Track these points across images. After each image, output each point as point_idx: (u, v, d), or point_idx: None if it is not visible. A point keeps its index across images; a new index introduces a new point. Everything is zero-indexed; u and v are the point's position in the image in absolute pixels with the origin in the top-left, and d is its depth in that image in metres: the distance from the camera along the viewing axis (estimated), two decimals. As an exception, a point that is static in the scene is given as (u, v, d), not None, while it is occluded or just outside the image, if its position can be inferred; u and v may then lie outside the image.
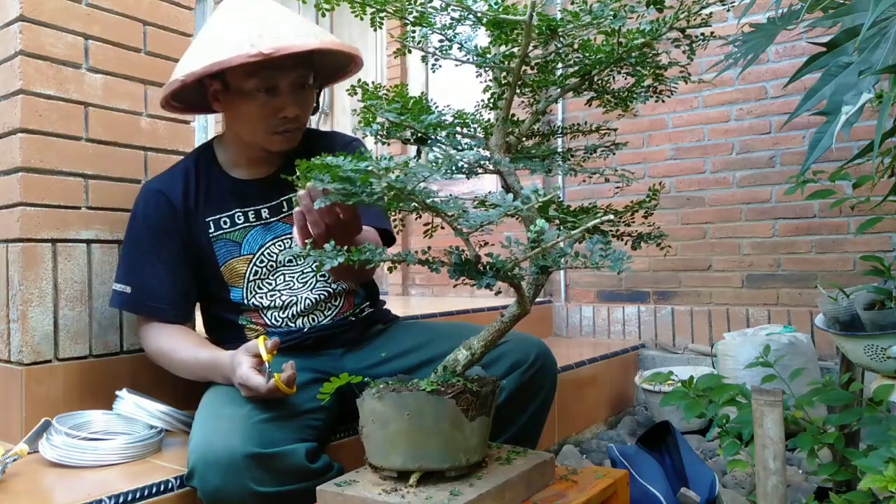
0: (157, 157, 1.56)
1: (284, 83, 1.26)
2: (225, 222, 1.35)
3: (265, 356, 1.13)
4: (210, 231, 1.35)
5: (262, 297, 1.36)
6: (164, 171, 1.41)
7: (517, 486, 0.98)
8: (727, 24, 2.56)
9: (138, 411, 1.31)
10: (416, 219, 0.96)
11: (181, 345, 1.30)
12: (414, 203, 0.82)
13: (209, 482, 1.02)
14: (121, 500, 1.05)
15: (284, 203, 1.37)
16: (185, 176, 1.36)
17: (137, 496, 1.06)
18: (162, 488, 1.10)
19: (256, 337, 1.37)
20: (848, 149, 2.20)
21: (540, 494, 1.01)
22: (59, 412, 1.30)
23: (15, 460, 1.15)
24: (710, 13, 0.93)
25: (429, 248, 0.92)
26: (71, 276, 1.41)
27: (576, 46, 0.95)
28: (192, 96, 1.35)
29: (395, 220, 1.16)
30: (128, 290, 1.32)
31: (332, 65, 1.39)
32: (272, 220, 1.37)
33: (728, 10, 1.02)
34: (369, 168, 0.78)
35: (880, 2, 0.80)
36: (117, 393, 1.34)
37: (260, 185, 1.37)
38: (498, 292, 0.92)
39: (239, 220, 1.36)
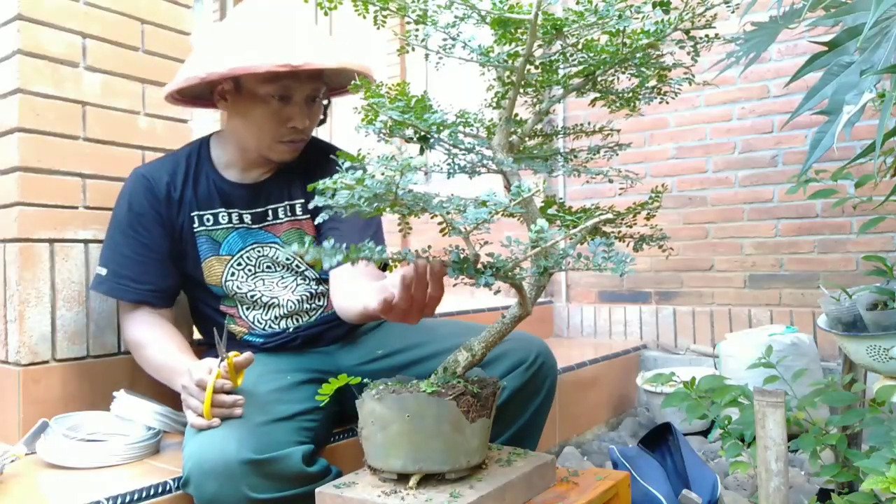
0: (155, 156, 1.54)
1: (299, 94, 1.27)
2: (208, 219, 1.35)
3: (231, 376, 1.10)
4: (194, 225, 1.34)
5: (241, 298, 1.35)
6: (157, 159, 1.41)
7: (518, 488, 0.97)
8: (728, 22, 2.55)
9: (136, 412, 1.30)
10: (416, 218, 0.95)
11: (157, 339, 1.29)
12: (422, 206, 0.81)
13: (205, 490, 1.01)
14: (119, 501, 1.04)
15: (269, 212, 1.36)
16: (174, 167, 1.35)
17: (136, 497, 1.06)
18: (160, 490, 1.09)
19: (240, 337, 1.37)
20: (850, 148, 2.19)
21: (541, 496, 1.01)
22: (56, 413, 1.30)
23: (12, 461, 1.15)
24: (715, 14, 0.93)
25: (429, 247, 0.91)
26: (68, 276, 1.40)
27: (580, 46, 0.94)
28: (197, 90, 1.34)
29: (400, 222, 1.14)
30: (104, 272, 1.32)
31: (342, 79, 1.38)
32: (254, 226, 1.36)
33: (732, 12, 1.01)
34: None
35: (882, 1, 0.80)
36: (115, 394, 1.33)
37: (248, 190, 1.36)
38: (497, 292, 0.91)
39: (223, 220, 1.35)
